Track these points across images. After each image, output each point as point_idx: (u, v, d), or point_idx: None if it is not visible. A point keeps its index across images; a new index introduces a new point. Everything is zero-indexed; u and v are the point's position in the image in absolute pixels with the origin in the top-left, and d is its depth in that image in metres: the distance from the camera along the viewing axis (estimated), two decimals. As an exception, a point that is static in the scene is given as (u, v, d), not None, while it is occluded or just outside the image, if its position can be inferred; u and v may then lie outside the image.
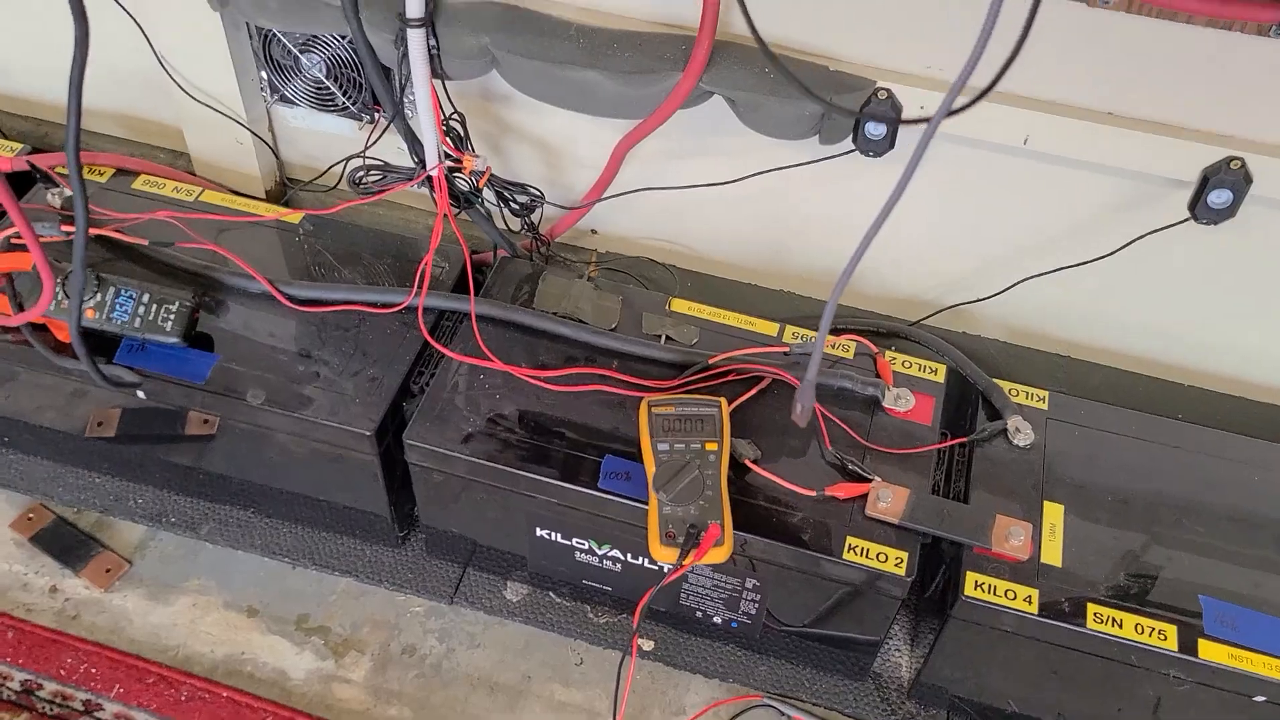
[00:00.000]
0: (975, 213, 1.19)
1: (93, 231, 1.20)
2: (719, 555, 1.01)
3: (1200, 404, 1.26)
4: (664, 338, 1.21)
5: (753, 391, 1.16)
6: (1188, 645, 0.99)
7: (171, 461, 1.30)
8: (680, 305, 1.25)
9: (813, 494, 1.08)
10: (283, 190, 1.44)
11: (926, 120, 0.74)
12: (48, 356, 1.16)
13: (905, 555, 1.04)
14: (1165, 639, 1.00)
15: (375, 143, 1.21)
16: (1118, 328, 1.26)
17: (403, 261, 1.28)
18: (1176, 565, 1.05)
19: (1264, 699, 1.00)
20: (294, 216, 1.31)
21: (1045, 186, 1.13)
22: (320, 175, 1.37)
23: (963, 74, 0.69)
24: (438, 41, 1.10)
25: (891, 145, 1.09)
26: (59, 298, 1.15)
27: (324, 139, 1.36)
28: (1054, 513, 1.09)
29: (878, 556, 1.04)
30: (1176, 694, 1.03)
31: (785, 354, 1.19)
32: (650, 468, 1.05)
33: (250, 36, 1.26)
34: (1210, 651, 0.99)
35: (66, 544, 1.31)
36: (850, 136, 1.09)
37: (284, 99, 1.31)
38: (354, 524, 1.28)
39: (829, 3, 1.00)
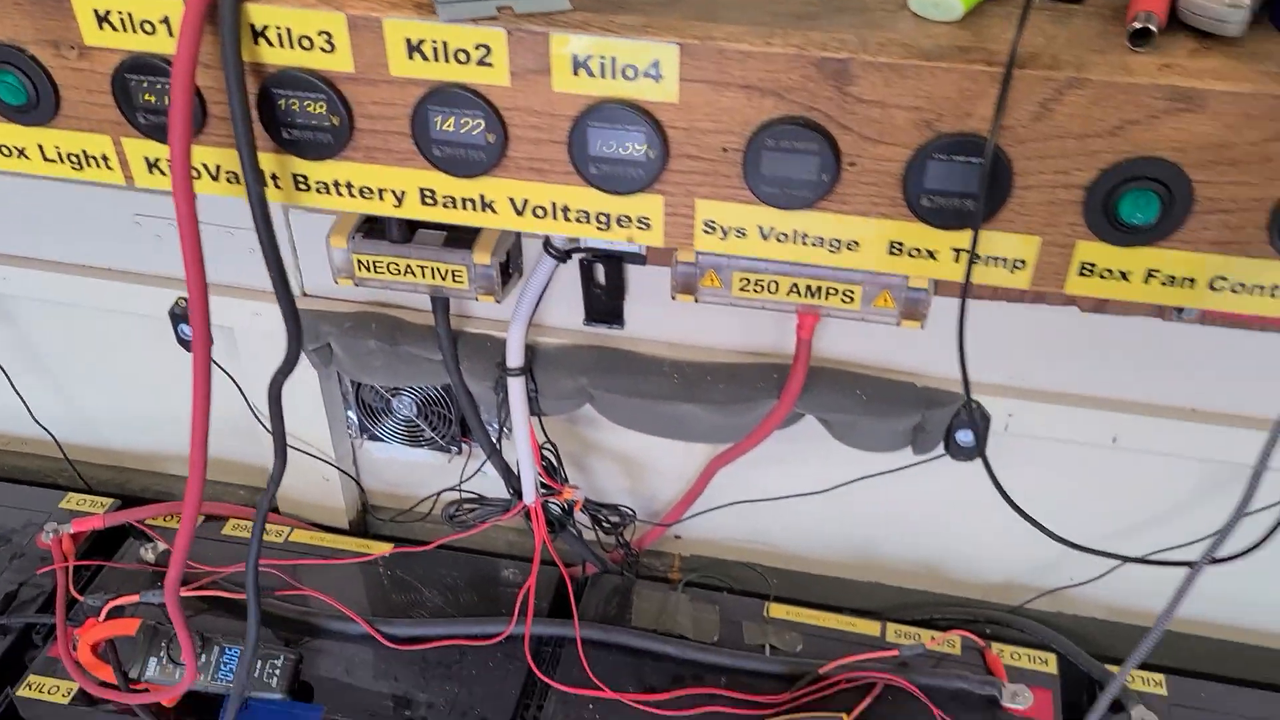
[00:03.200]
0: (1065, 501, 1.21)
1: (194, 591, 1.21)
2: None
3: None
4: (768, 648, 1.20)
5: (868, 700, 1.14)
6: None
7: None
8: (778, 610, 1.25)
9: (951, 811, 1.05)
10: (364, 518, 1.46)
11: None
12: (156, 728, 1.14)
13: None
14: None
15: (471, 478, 1.24)
16: (1223, 602, 1.26)
17: (496, 585, 1.29)
18: None
19: None
20: (384, 548, 1.32)
21: (1136, 476, 1.16)
22: (412, 508, 1.40)
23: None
24: (536, 385, 1.15)
25: (982, 450, 1.12)
26: (163, 662, 1.15)
27: (407, 468, 1.39)
28: (1203, 810, 1.06)
29: None
30: None
31: (895, 657, 1.18)
32: (783, 798, 1.03)
33: (340, 381, 1.31)
34: None
35: None
36: (942, 444, 1.13)
37: (373, 437, 1.35)
38: None
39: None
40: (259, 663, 1.15)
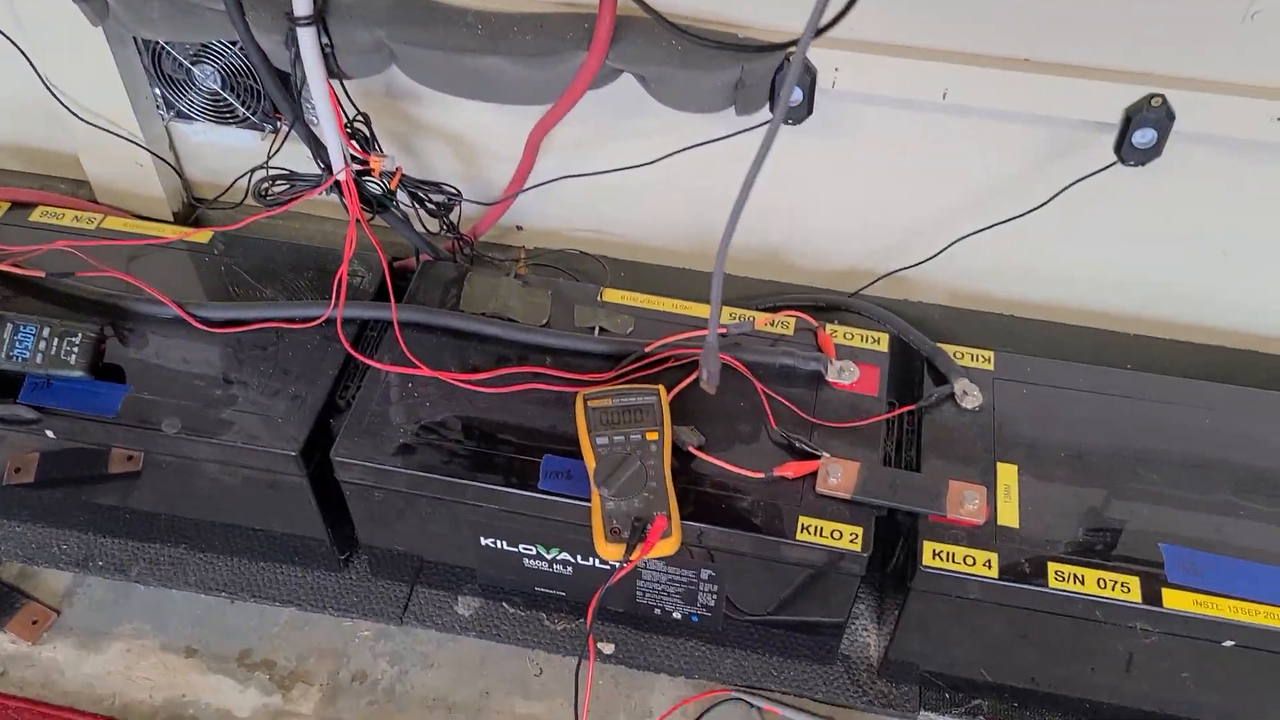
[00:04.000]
0: (903, 176, 1.16)
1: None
2: (667, 547, 0.97)
3: (1146, 351, 1.24)
4: (597, 329, 1.17)
5: (692, 377, 1.11)
6: (1152, 596, 0.97)
7: (95, 503, 1.24)
8: (613, 295, 1.21)
9: (761, 476, 1.04)
10: (191, 210, 1.39)
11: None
12: (-58, 403, 1.10)
13: (860, 531, 1.01)
14: (1129, 591, 0.97)
15: (278, 151, 1.16)
16: (1058, 281, 1.23)
17: (323, 274, 1.23)
18: (1135, 516, 1.03)
19: (1233, 643, 0.97)
20: (203, 236, 1.25)
21: (971, 142, 1.10)
22: (225, 191, 1.31)
23: None
24: (330, 39, 1.05)
25: (810, 110, 1.05)
26: (-47, 339, 1.09)
27: (228, 153, 1.31)
28: (1008, 474, 1.06)
29: (832, 534, 1.01)
30: (1146, 646, 1.01)
31: (724, 335, 1.15)
32: (590, 463, 1.01)
33: (139, 52, 1.20)
34: (1175, 600, 0.97)
35: (-11, 599, 1.25)
36: (767, 105, 1.06)
37: (180, 114, 1.25)
38: (292, 551, 1.23)
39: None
40: (57, 340, 1.10)
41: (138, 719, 1.15)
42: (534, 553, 1.12)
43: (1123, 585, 0.98)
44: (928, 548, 1.00)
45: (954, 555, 1.00)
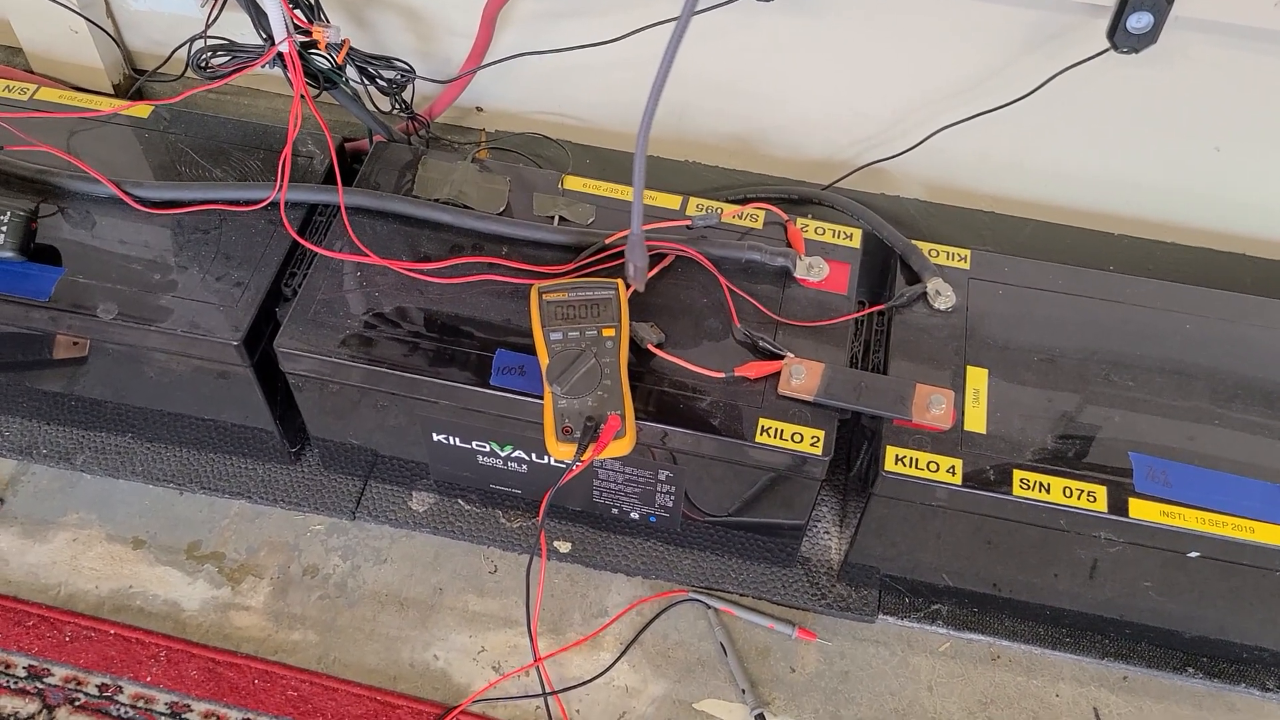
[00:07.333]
0: (882, 61, 1.09)
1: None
2: (621, 448, 0.94)
3: (1131, 252, 1.19)
4: (557, 219, 1.11)
5: (654, 270, 1.07)
6: (1118, 505, 0.94)
7: (39, 389, 1.19)
8: (574, 183, 1.15)
9: (721, 376, 1.00)
10: (133, 83, 1.31)
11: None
12: None
13: (822, 434, 0.98)
14: (1095, 501, 0.94)
15: (217, 19, 1.08)
16: (1042, 177, 1.17)
17: (274, 155, 1.16)
18: (1107, 423, 0.99)
19: (1197, 554, 0.95)
20: (143, 110, 1.18)
21: (955, 25, 1.03)
22: (164, 63, 1.23)
23: None
24: (267, -108, 0.96)
25: (785, -16, 0.98)
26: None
27: (170, 21, 1.23)
28: (977, 377, 1.02)
29: (793, 437, 0.97)
30: (1110, 555, 0.98)
31: (688, 228, 1.10)
32: (543, 359, 0.97)
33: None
34: (1141, 510, 0.94)
35: (-70, 486, 1.21)
36: (737, -23, 0.99)
37: (114, -23, 1.17)
38: (242, 442, 1.19)
39: None
40: (-17, 220, 1.04)
41: (83, 609, 1.13)
42: (487, 450, 1.09)
43: (1089, 494, 0.95)
44: (890, 453, 0.97)
45: (917, 461, 0.97)
